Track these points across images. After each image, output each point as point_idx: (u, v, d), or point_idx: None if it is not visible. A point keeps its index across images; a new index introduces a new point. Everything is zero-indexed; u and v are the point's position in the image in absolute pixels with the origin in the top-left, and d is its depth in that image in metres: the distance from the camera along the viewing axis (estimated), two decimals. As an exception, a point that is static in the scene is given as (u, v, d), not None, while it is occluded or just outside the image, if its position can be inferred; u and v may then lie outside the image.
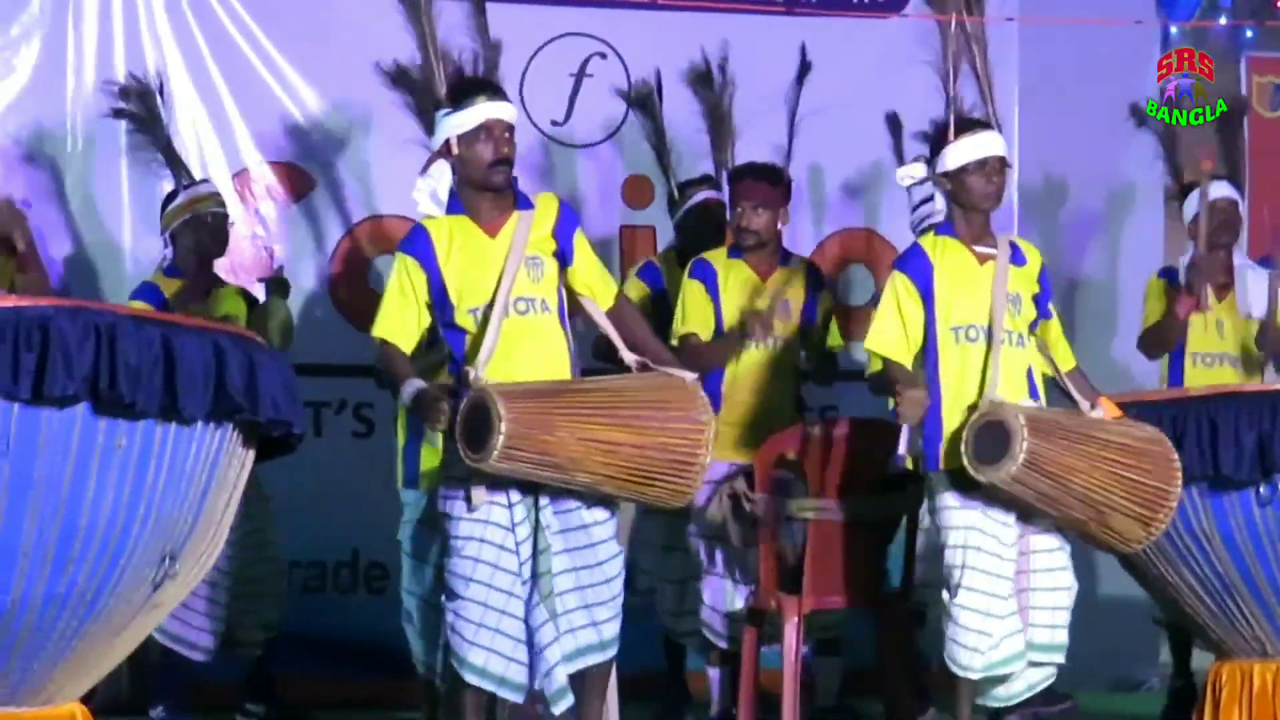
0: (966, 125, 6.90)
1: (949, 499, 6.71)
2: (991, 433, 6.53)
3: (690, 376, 6.44)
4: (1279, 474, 7.05)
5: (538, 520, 6.34)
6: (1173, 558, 7.26)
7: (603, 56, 8.21)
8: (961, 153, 6.86)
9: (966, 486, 6.64)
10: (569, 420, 6.20)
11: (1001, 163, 6.93)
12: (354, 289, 8.79)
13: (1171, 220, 9.07)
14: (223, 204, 8.17)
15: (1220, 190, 8.21)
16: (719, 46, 8.48)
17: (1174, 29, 9.36)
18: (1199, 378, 8.05)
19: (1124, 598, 7.90)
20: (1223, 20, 9.36)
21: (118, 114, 8.25)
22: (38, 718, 5.88)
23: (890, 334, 6.83)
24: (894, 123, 8.20)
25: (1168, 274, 8.32)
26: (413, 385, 6.33)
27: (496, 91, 6.55)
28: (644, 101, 8.68)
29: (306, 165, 9.04)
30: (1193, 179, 8.29)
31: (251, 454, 6.23)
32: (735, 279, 7.83)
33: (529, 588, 6.32)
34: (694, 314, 7.79)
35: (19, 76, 8.62)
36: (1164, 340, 8.19)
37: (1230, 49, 9.57)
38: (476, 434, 6.08)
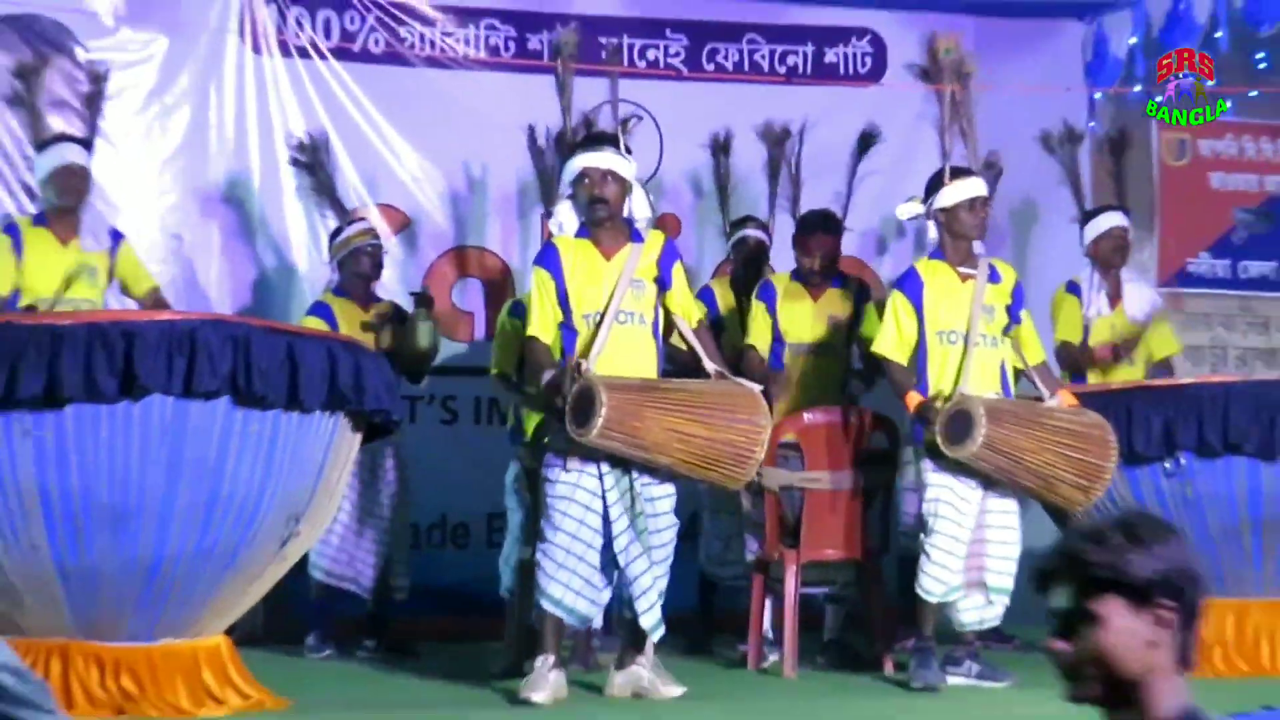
0: (958, 172, 6.87)
1: (928, 466, 6.73)
2: (960, 419, 6.55)
3: (756, 388, 6.47)
4: (1181, 452, 7.06)
5: (633, 493, 6.30)
6: (1092, 515, 7.03)
7: (639, 119, 8.14)
8: (955, 193, 6.82)
9: (941, 459, 6.65)
10: (656, 412, 6.22)
11: (985, 201, 6.92)
12: (441, 303, 8.40)
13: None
14: (378, 237, 8.01)
15: (1114, 219, 7.94)
16: (747, 112, 8.35)
17: (1098, 95, 9.18)
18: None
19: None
20: (1137, 88, 9.16)
21: (295, 163, 8.15)
22: (191, 648, 5.94)
23: (890, 340, 6.83)
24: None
25: (1073, 288, 7.96)
26: (550, 372, 6.31)
27: (594, 143, 6.55)
28: (721, 149, 8.34)
29: (403, 206, 8.71)
30: (1094, 206, 8.06)
31: (359, 437, 6.27)
32: (791, 295, 7.65)
33: (627, 539, 6.28)
34: (758, 330, 7.63)
35: (173, 136, 8.39)
36: (1077, 367, 7.94)
37: (1142, 109, 9.37)
38: (582, 414, 6.08)
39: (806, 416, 7.24)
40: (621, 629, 6.60)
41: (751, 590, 7.27)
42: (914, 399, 6.73)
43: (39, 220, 7.22)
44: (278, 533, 5.96)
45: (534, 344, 6.43)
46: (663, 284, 6.50)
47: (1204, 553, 6.72)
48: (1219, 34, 8.48)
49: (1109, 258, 7.91)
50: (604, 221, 6.44)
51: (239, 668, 6.05)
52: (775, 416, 7.22)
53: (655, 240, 6.54)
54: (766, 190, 8.24)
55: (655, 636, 6.38)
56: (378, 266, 7.90)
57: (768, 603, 7.29)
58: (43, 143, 7.22)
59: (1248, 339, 9.71)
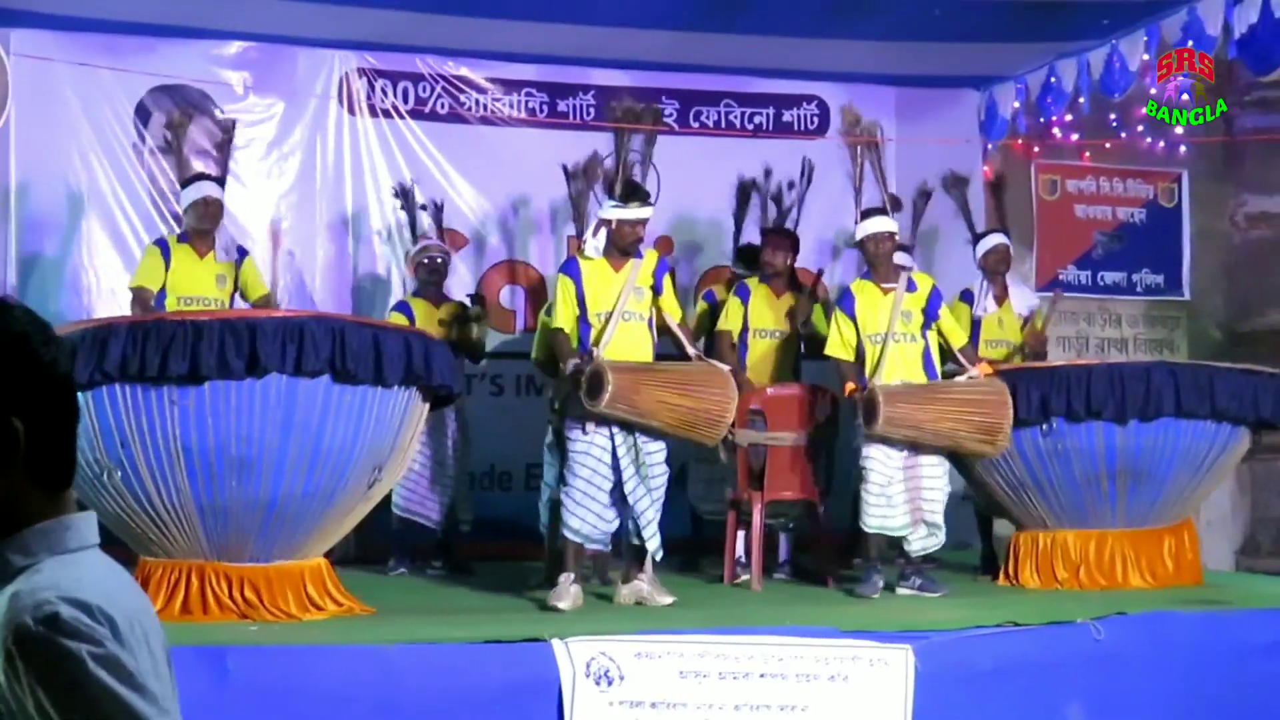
0: (868, 213, 6.75)
1: (863, 441, 6.66)
2: (870, 405, 6.49)
3: (726, 368, 6.39)
4: (1054, 417, 6.94)
5: (637, 449, 6.18)
6: (988, 466, 7.09)
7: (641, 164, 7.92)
8: (864, 230, 6.77)
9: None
10: (650, 387, 6.13)
11: (890, 236, 6.78)
12: (492, 303, 8.41)
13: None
14: (444, 250, 7.87)
15: (998, 238, 7.70)
16: (724, 159, 8.10)
17: (990, 145, 9.02)
18: (987, 353, 7.48)
19: (955, 492, 7.35)
20: (1020, 141, 9.11)
21: (402, 204, 8.06)
22: (298, 567, 5.87)
23: (836, 344, 6.77)
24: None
25: (965, 296, 7.74)
26: (573, 362, 6.26)
27: (633, 199, 6.38)
28: (747, 191, 8.07)
29: (463, 230, 8.61)
30: (981, 231, 7.81)
31: (426, 406, 6.19)
32: (759, 294, 7.55)
33: (634, 484, 6.18)
34: (732, 318, 7.53)
35: (288, 177, 8.38)
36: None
37: (1024, 158, 9.22)
38: (593, 390, 6.02)
39: (769, 390, 7.12)
40: (627, 553, 6.46)
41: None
42: (848, 389, 6.66)
43: (182, 239, 7.05)
44: (365, 478, 5.88)
45: (560, 336, 6.33)
46: (656, 290, 6.42)
47: (1071, 495, 7.00)
48: (1082, 99, 8.26)
49: (995, 267, 7.72)
50: (632, 252, 6.38)
51: (335, 582, 5.97)
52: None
53: (651, 257, 6.45)
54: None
55: (658, 556, 6.30)
56: (443, 273, 7.79)
57: (740, 534, 7.17)
58: (186, 180, 7.07)
59: (1104, 331, 9.64)
